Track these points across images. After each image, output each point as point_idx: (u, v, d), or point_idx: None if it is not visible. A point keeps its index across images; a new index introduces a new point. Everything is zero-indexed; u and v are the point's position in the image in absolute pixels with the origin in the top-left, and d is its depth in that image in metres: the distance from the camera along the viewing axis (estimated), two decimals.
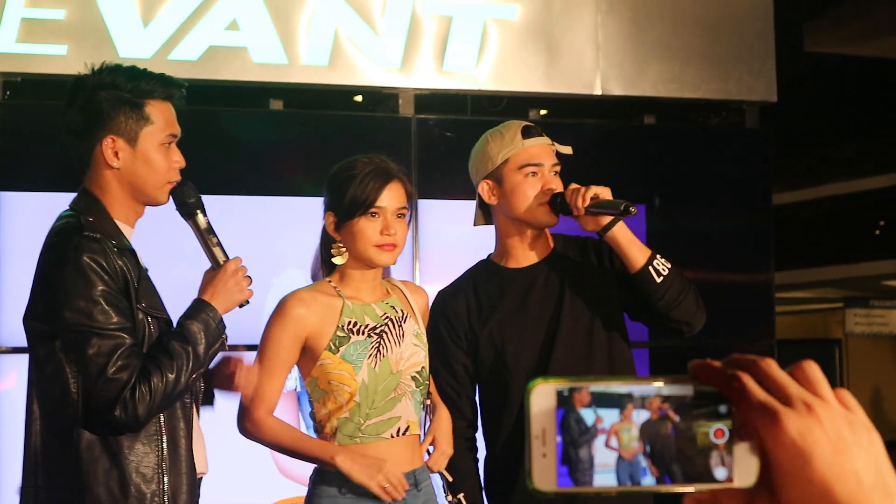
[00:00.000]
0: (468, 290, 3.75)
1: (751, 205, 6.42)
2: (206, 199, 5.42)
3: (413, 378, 3.56)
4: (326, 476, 3.50)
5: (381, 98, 6.07)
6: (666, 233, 6.06)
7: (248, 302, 3.29)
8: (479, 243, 5.82)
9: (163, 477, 3.10)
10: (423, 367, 3.59)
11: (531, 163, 3.67)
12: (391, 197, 3.55)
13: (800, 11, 8.39)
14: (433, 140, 5.87)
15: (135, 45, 5.50)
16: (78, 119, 3.23)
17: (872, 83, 10.50)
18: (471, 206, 5.78)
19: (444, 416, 3.69)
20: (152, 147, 3.21)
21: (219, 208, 5.46)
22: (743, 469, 0.96)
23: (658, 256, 3.56)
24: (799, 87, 8.97)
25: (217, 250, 3.29)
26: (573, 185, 3.60)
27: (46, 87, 5.62)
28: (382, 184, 3.54)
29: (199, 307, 3.19)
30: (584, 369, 3.56)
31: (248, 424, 3.53)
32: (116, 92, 3.20)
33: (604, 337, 3.64)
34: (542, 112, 6.46)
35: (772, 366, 0.96)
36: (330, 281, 3.62)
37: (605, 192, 3.54)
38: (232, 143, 5.64)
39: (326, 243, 3.65)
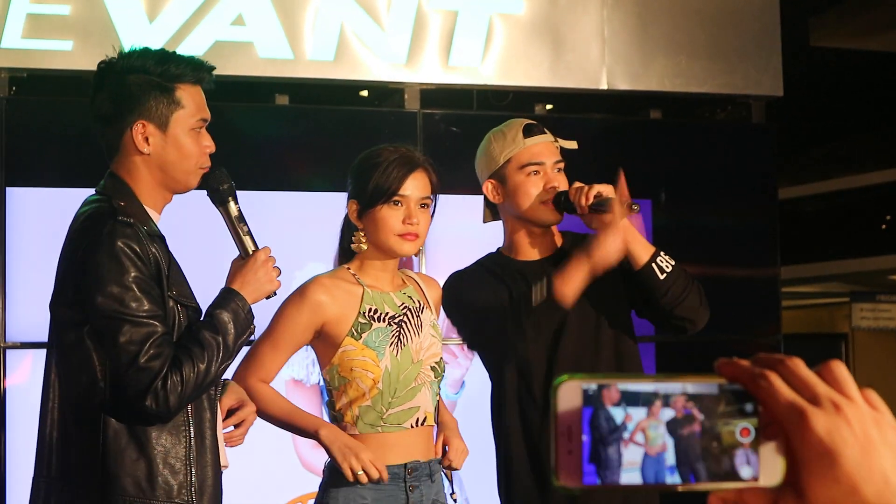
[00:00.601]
0: (474, 275, 3.80)
1: (757, 200, 6.41)
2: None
3: (432, 368, 3.57)
4: None
5: (386, 93, 6.07)
6: (671, 228, 6.06)
7: (275, 293, 3.25)
8: (484, 238, 5.82)
9: (190, 468, 3.04)
10: (440, 358, 3.60)
11: (533, 161, 3.70)
12: (415, 186, 3.54)
13: (805, 6, 8.39)
14: (439, 135, 5.86)
15: (140, 40, 5.46)
16: (106, 104, 3.16)
17: (878, 78, 10.49)
18: (476, 200, 5.78)
19: (449, 414, 3.71)
20: (183, 132, 3.15)
21: None
22: (769, 468, 0.96)
23: (662, 254, 3.56)
24: (804, 82, 8.96)
25: (247, 239, 3.24)
26: (577, 184, 3.60)
27: (52, 83, 5.63)
28: (407, 172, 3.53)
29: (228, 296, 3.14)
30: (591, 366, 3.56)
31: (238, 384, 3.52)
32: (146, 76, 3.13)
33: (611, 333, 3.65)
34: (548, 107, 6.45)
35: (799, 365, 0.96)
36: (349, 268, 3.60)
37: (608, 191, 3.54)
38: (237, 138, 5.64)
39: (347, 231, 3.63)
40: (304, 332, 3.52)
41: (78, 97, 5.58)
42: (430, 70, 5.91)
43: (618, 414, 0.96)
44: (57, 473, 3.06)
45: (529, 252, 3.76)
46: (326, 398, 3.59)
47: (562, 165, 3.74)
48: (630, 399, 0.96)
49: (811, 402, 0.94)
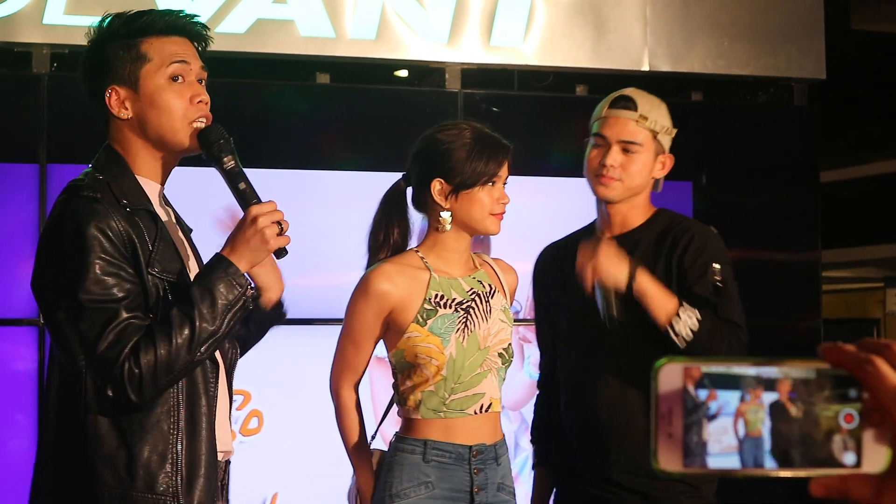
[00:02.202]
0: (560, 250, 3.79)
1: (798, 183, 6.38)
2: (251, 172, 5.42)
3: (500, 355, 3.54)
4: (409, 442, 3.49)
5: (427, 72, 6.05)
6: (712, 210, 6.02)
7: (286, 251, 2.91)
8: (522, 217, 5.82)
9: (177, 458, 2.83)
10: (509, 344, 3.58)
11: (595, 133, 3.67)
12: (505, 169, 3.56)
13: None
14: (479, 115, 5.83)
15: None
16: (84, 78, 2.97)
17: None
18: (516, 179, 5.76)
19: None
20: (157, 87, 2.89)
21: (263, 182, 5.45)
22: (872, 455, 0.94)
23: (682, 314, 3.42)
24: (844, 65, 8.90)
25: (243, 196, 2.90)
26: (584, 252, 3.49)
27: None
28: (502, 156, 3.54)
29: (214, 264, 2.84)
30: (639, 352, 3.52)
31: (335, 390, 3.58)
32: (115, 39, 2.92)
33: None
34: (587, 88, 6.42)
35: None
36: (417, 251, 3.57)
37: (612, 278, 3.44)
38: (278, 117, 5.64)
39: (428, 210, 3.59)
40: (375, 324, 3.51)
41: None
42: (472, 50, 5.89)
43: (718, 397, 0.95)
44: (49, 461, 2.89)
45: (609, 228, 3.70)
46: (393, 380, 3.58)
47: (630, 147, 3.61)
48: (731, 383, 0.95)
49: None
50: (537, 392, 3.96)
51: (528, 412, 5.81)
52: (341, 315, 3.59)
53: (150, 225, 2.86)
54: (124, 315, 2.75)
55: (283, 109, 5.67)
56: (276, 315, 3.25)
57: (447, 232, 3.54)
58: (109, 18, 2.96)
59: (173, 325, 2.75)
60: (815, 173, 6.47)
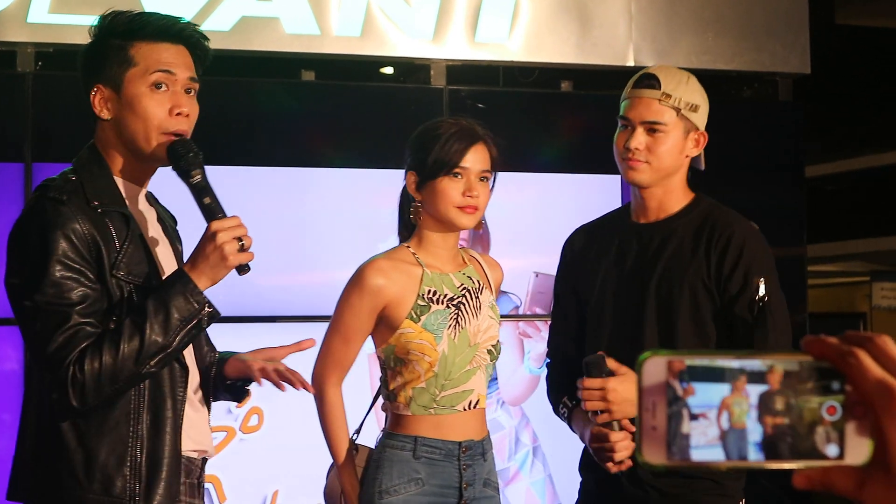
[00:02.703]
0: (592, 232, 3.65)
1: (783, 178, 6.39)
2: (237, 170, 5.48)
3: (489, 351, 3.53)
4: (399, 439, 3.49)
5: (412, 69, 6.05)
6: None
7: (247, 267, 2.84)
8: (509, 213, 5.83)
9: (135, 461, 2.80)
10: (497, 341, 3.57)
11: (621, 115, 3.49)
12: (475, 158, 3.49)
13: None
14: (464, 111, 5.82)
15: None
16: (80, 76, 2.95)
17: None
18: (501, 176, 5.76)
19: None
20: (138, 92, 2.86)
21: (249, 179, 5.48)
22: (855, 447, 0.95)
23: None
24: (829, 60, 8.92)
25: (207, 212, 2.86)
26: (588, 387, 3.30)
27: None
28: (468, 145, 3.48)
29: (174, 279, 2.82)
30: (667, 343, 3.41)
31: (318, 387, 3.50)
32: (109, 38, 2.91)
33: (681, 315, 3.40)
34: (572, 84, 6.43)
35: (889, 343, 0.95)
36: (408, 246, 3.56)
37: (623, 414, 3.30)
38: (263, 114, 5.63)
39: (406, 204, 3.59)
40: (368, 319, 3.48)
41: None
42: (457, 46, 5.89)
43: (702, 390, 0.95)
44: (25, 459, 2.88)
45: (644, 213, 3.53)
46: (381, 375, 3.57)
47: (655, 127, 3.42)
48: (715, 375, 0.95)
49: None
50: (547, 373, 3.70)
51: (529, 407, 5.84)
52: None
53: (120, 227, 2.85)
54: (77, 319, 2.74)
55: (269, 107, 5.67)
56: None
57: (433, 227, 3.53)
58: (110, 16, 2.95)
59: (123, 335, 2.74)
60: (800, 168, 6.48)
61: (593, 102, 6.22)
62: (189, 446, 2.98)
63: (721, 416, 0.95)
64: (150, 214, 3.04)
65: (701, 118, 3.48)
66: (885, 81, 10.99)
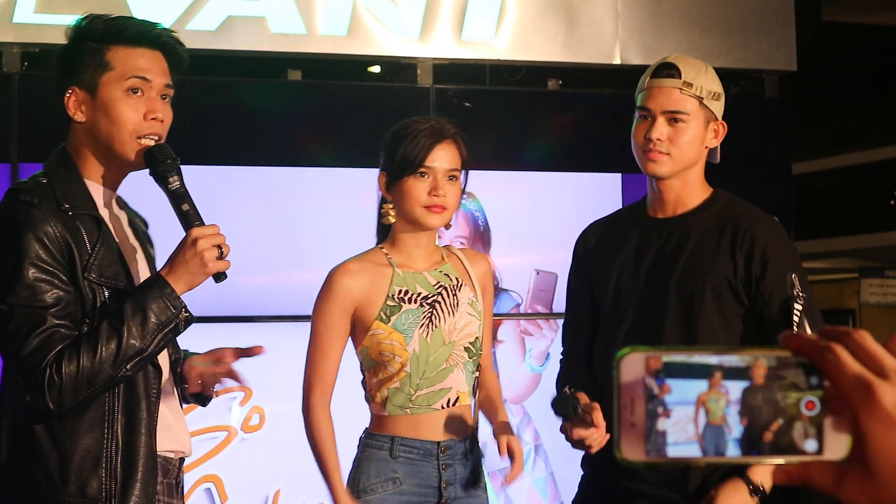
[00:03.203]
0: (606, 228, 3.60)
1: (770, 175, 6.39)
2: (223, 169, 5.47)
3: (466, 349, 3.50)
4: (377, 439, 3.48)
5: (399, 68, 6.05)
6: None
7: (224, 275, 2.90)
8: (496, 211, 5.83)
9: (111, 463, 2.81)
10: (476, 338, 3.53)
11: (638, 105, 3.46)
12: (442, 157, 3.45)
13: None
14: (451, 110, 5.84)
15: (152, 14, 5.42)
16: (56, 75, 2.96)
17: (889, 53, 10.45)
18: (489, 175, 5.78)
19: (505, 414, 3.61)
20: (113, 97, 2.88)
21: (236, 178, 5.47)
22: (834, 441, 0.95)
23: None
24: (815, 57, 8.94)
25: (186, 218, 2.89)
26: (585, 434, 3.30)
27: None
28: (434, 143, 3.45)
29: (151, 283, 2.85)
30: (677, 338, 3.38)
31: (304, 405, 3.49)
32: (87, 41, 2.92)
33: (704, 313, 3.37)
34: (560, 82, 6.43)
35: (866, 338, 0.95)
36: (382, 248, 3.54)
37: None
38: (250, 114, 5.63)
39: (380, 206, 3.59)
40: (341, 323, 3.46)
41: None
42: (443, 45, 5.89)
43: (681, 386, 0.95)
44: (4, 461, 2.88)
45: (662, 208, 3.49)
46: (361, 376, 3.56)
47: (678, 116, 3.36)
48: (693, 372, 0.96)
49: (878, 374, 0.94)
50: (559, 369, 3.70)
51: (531, 406, 5.84)
52: None
53: (92, 229, 2.86)
54: (52, 322, 2.76)
55: (255, 107, 5.66)
56: None
57: (405, 227, 3.51)
58: (87, 19, 2.96)
59: (100, 338, 2.76)
60: (787, 165, 6.49)
61: (581, 100, 6.22)
62: (166, 446, 2.99)
63: (699, 413, 0.95)
64: (122, 217, 3.05)
65: (720, 108, 3.42)
66: (871, 78, 11.01)
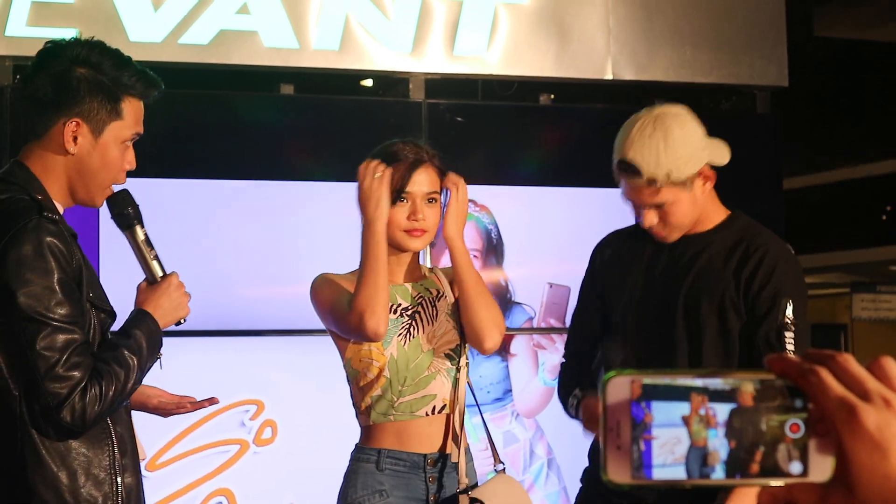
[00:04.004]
0: (623, 239, 3.63)
1: (762, 190, 6.40)
2: (215, 183, 5.47)
3: (447, 356, 3.54)
4: (365, 452, 3.51)
5: (391, 82, 6.06)
6: None
7: (185, 320, 3.10)
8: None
9: (115, 478, 2.89)
10: (457, 345, 3.56)
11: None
12: (420, 181, 3.52)
13: None
14: (444, 124, 5.85)
15: (145, 28, 5.48)
16: (47, 88, 2.90)
17: (881, 68, 10.48)
18: (481, 189, 5.79)
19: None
20: (115, 143, 2.93)
21: (229, 192, 5.48)
22: (818, 463, 0.96)
23: None
24: (807, 73, 8.96)
25: (155, 264, 3.04)
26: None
27: None
28: (411, 170, 3.51)
29: (143, 318, 2.98)
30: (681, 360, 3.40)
31: (358, 319, 3.42)
32: (97, 74, 2.92)
33: (708, 330, 3.39)
34: (552, 97, 6.45)
35: (849, 361, 0.96)
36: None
37: None
38: (242, 128, 5.63)
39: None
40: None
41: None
42: (436, 59, 5.90)
43: (666, 409, 0.96)
44: None
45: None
46: (350, 390, 3.60)
47: (661, 205, 3.39)
48: (678, 394, 0.96)
49: (862, 397, 0.94)
50: (560, 372, 3.70)
51: (544, 419, 5.85)
52: None
53: (80, 251, 2.92)
54: (81, 338, 2.81)
55: (248, 120, 5.67)
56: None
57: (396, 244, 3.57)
58: (97, 48, 2.96)
59: (122, 363, 2.87)
60: (778, 180, 6.50)
61: (573, 115, 6.24)
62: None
63: (684, 435, 0.96)
64: None
65: (694, 165, 3.35)
66: (863, 93, 11.04)
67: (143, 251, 3.04)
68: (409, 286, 3.59)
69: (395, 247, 3.55)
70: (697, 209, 3.42)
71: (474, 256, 5.76)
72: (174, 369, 3.32)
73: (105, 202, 3.02)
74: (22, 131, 3.00)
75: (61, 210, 2.94)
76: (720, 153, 3.45)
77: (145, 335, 2.94)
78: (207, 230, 5.38)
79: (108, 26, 5.42)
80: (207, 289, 5.38)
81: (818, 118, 11.39)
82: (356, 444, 3.57)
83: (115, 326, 3.04)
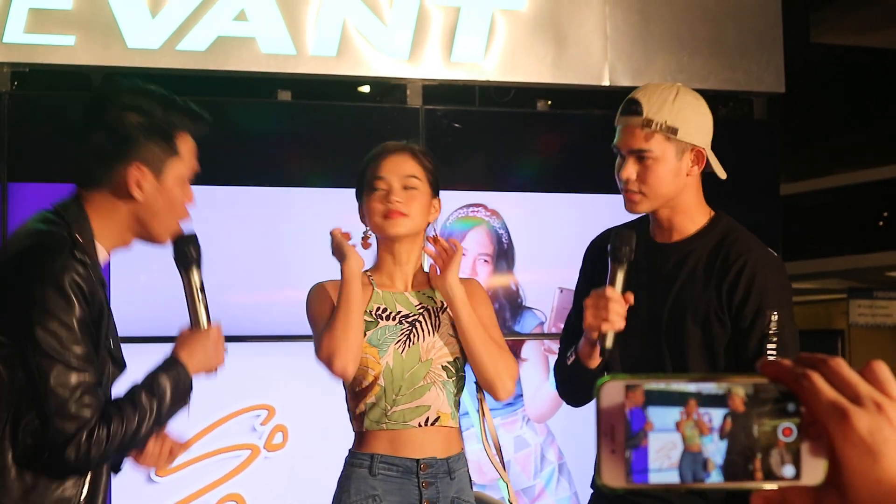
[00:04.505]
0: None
1: (758, 196, 6.41)
2: (213, 189, 5.47)
3: (444, 368, 3.52)
4: (358, 457, 3.50)
5: (389, 89, 6.07)
6: None
7: (217, 371, 3.09)
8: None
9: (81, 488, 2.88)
10: (456, 358, 3.54)
11: None
12: (392, 166, 3.52)
13: (806, 2, 8.39)
14: (441, 131, 5.87)
15: (143, 35, 5.49)
16: (103, 140, 2.94)
17: (877, 74, 10.50)
18: (478, 196, 5.80)
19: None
20: (176, 182, 2.97)
21: (226, 199, 5.48)
22: (811, 467, 0.97)
23: None
24: (804, 78, 8.98)
25: (202, 312, 3.07)
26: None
27: (54, 78, 5.62)
28: (382, 158, 3.53)
29: (173, 364, 2.97)
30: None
31: (331, 367, 3.46)
32: (148, 118, 2.94)
33: (690, 346, 3.32)
34: (549, 102, 6.45)
35: (841, 365, 0.96)
36: (366, 271, 3.59)
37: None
38: (239, 134, 5.64)
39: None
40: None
41: (80, 92, 5.60)
42: (433, 66, 5.91)
43: (660, 414, 0.97)
44: None
45: (661, 232, 3.42)
46: (345, 395, 3.61)
47: (644, 155, 3.29)
48: (671, 399, 0.97)
49: (853, 401, 0.95)
50: (553, 366, 3.64)
51: (555, 424, 5.85)
52: None
53: (105, 297, 2.93)
54: (93, 380, 2.81)
55: (245, 127, 5.67)
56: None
57: (382, 247, 3.59)
58: (142, 93, 2.97)
59: (138, 406, 2.86)
60: (775, 186, 6.51)
61: (570, 121, 6.24)
62: None
63: (677, 440, 0.97)
64: None
65: (693, 135, 3.31)
66: (859, 99, 11.05)
67: (195, 295, 3.06)
68: (409, 295, 3.58)
69: (382, 239, 3.56)
70: (676, 187, 3.32)
71: (485, 261, 5.78)
72: None
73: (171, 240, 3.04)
74: (77, 178, 3.00)
75: (107, 252, 2.96)
76: (718, 164, 3.41)
77: (171, 382, 2.93)
78: (202, 236, 5.38)
79: (106, 33, 5.43)
80: (213, 295, 5.37)
81: (815, 124, 11.40)
82: (349, 450, 3.56)
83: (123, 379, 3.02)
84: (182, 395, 2.96)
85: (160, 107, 2.96)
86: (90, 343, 2.82)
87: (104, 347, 2.89)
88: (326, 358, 3.43)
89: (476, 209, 5.86)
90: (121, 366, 3.01)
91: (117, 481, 3.86)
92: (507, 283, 5.87)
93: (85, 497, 2.90)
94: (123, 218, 2.96)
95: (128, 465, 3.15)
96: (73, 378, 2.78)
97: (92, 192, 2.96)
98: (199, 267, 3.07)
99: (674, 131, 3.27)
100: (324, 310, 3.52)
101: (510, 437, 5.72)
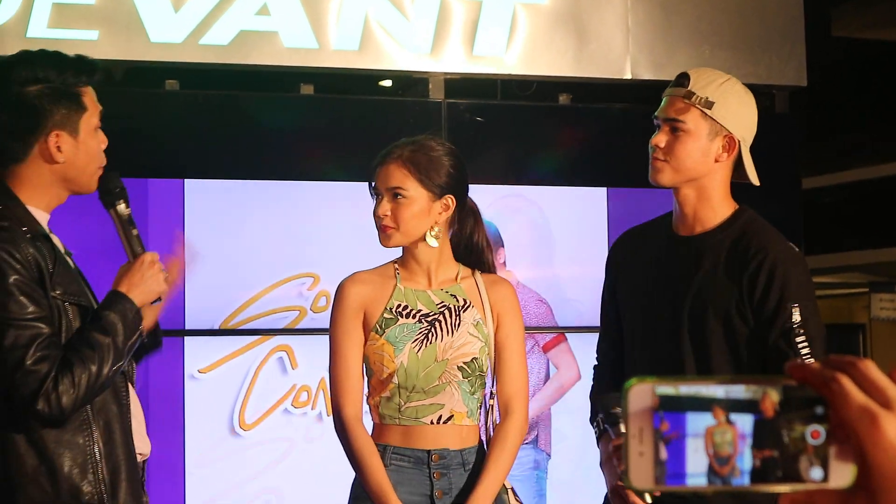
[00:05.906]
0: (635, 238, 3.57)
1: (780, 190, 6.38)
2: (236, 183, 5.50)
3: (460, 368, 3.49)
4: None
5: (411, 82, 6.07)
6: None
7: (161, 298, 3.16)
8: (506, 226, 5.84)
9: (97, 467, 2.96)
10: (473, 359, 3.50)
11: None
12: (382, 178, 3.51)
13: None
14: (463, 124, 5.87)
15: (165, 29, 5.51)
16: (13, 118, 3.02)
17: None
18: (500, 189, 5.80)
19: (494, 472, 3.51)
20: (89, 134, 3.06)
21: (249, 193, 5.50)
22: (839, 470, 0.96)
23: None
24: (825, 72, 8.95)
25: (136, 242, 3.14)
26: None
27: None
28: (376, 167, 3.53)
29: (115, 298, 3.04)
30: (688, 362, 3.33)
31: (337, 424, 3.50)
32: (50, 85, 3.01)
33: (713, 340, 3.31)
34: (570, 97, 6.45)
35: (871, 367, 0.96)
36: (395, 262, 3.59)
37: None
38: (262, 128, 5.65)
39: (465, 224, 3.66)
40: (354, 327, 3.51)
41: (104, 86, 5.58)
42: (455, 59, 5.92)
43: (688, 417, 0.97)
44: None
45: (684, 224, 3.42)
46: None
47: (676, 125, 3.31)
48: (700, 402, 0.97)
49: (883, 405, 0.95)
50: (593, 375, 3.65)
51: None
52: None
53: (49, 249, 3.00)
54: (48, 332, 2.89)
55: (268, 120, 5.69)
56: (154, 343, 3.40)
57: (407, 248, 3.56)
58: (29, 61, 3.05)
59: (95, 346, 2.93)
60: (796, 181, 6.50)
61: (591, 115, 6.24)
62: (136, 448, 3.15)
63: (705, 442, 0.97)
64: (55, 237, 3.15)
65: (730, 120, 3.32)
66: (881, 93, 11.01)
67: (125, 228, 3.13)
68: (431, 293, 3.55)
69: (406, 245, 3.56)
70: (701, 168, 3.32)
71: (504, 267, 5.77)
72: None
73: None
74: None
75: (47, 209, 3.07)
76: (752, 169, 3.43)
77: (118, 314, 3.00)
78: (224, 229, 5.40)
79: (129, 27, 5.45)
80: (231, 287, 5.42)
81: (836, 118, 11.37)
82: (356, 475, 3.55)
83: None
84: (133, 326, 3.03)
85: (54, 70, 3.04)
86: (36, 300, 2.90)
87: (58, 299, 2.95)
88: (334, 403, 3.53)
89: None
90: (90, 306, 3.07)
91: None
92: (548, 276, 5.88)
93: (102, 441, 2.98)
94: (51, 181, 3.05)
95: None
96: (24, 336, 2.86)
97: (17, 168, 3.04)
98: (125, 199, 3.14)
99: (709, 105, 3.28)
100: (346, 330, 3.51)
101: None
